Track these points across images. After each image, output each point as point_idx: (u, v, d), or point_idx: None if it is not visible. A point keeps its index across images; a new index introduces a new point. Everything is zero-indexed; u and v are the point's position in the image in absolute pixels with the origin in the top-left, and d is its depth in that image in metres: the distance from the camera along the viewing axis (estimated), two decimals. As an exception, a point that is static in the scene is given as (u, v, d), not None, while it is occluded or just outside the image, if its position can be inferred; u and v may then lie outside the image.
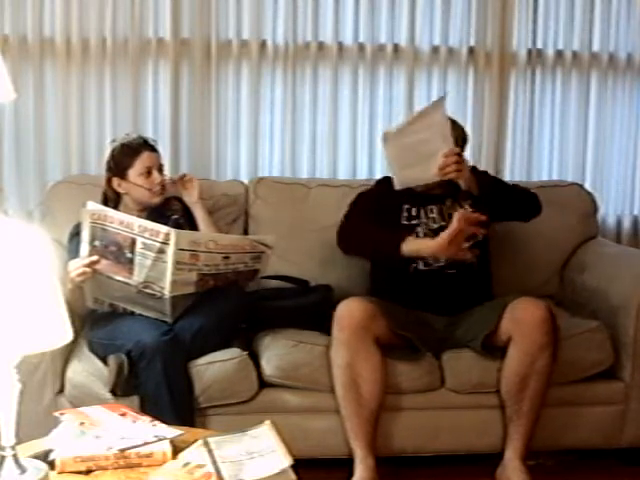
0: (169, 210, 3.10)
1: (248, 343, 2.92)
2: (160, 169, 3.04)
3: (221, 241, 2.74)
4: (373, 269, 3.19)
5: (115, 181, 3.01)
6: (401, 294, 3.00)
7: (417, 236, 3.01)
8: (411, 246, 2.88)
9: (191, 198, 3.14)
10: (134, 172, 2.98)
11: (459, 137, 2.98)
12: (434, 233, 2.96)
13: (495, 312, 2.83)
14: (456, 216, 2.80)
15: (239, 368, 2.78)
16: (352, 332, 2.73)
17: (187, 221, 3.09)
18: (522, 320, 2.76)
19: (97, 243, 2.70)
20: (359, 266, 3.20)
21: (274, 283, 3.15)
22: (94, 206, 2.72)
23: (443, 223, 3.00)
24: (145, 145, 3.02)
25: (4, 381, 1.66)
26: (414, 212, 3.07)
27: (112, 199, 3.03)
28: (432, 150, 2.78)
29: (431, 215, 3.06)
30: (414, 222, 3.05)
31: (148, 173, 2.98)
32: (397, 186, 2.89)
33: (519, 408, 2.80)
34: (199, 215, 3.12)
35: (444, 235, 2.80)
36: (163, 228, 2.63)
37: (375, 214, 3.05)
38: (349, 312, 2.76)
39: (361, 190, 3.26)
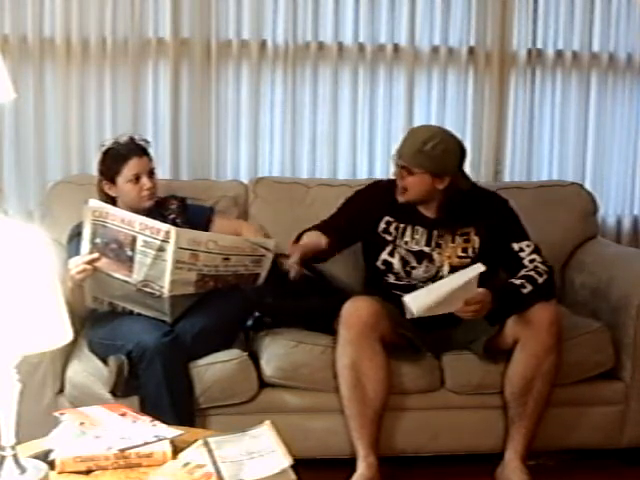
0: (166, 210, 3.08)
1: (248, 343, 2.92)
2: (150, 174, 2.97)
3: (221, 242, 2.74)
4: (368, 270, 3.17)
5: (106, 185, 2.98)
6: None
7: (392, 255, 2.93)
8: None
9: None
10: (122, 179, 2.93)
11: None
12: (414, 255, 2.92)
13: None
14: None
15: (239, 369, 2.78)
16: (359, 331, 2.72)
17: (184, 221, 3.05)
18: (531, 322, 2.75)
19: (98, 241, 2.70)
20: (358, 267, 3.19)
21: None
22: (96, 203, 2.72)
23: (426, 248, 2.92)
24: (134, 151, 2.95)
25: (4, 381, 1.66)
26: (400, 228, 2.95)
27: (106, 201, 2.99)
28: (455, 295, 2.67)
29: (416, 236, 2.94)
30: (393, 238, 2.94)
31: (137, 179, 2.93)
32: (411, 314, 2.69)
33: (523, 410, 2.79)
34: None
35: None
36: (164, 226, 2.63)
37: (356, 218, 2.97)
38: (356, 311, 2.75)
39: (360, 189, 3.17)
